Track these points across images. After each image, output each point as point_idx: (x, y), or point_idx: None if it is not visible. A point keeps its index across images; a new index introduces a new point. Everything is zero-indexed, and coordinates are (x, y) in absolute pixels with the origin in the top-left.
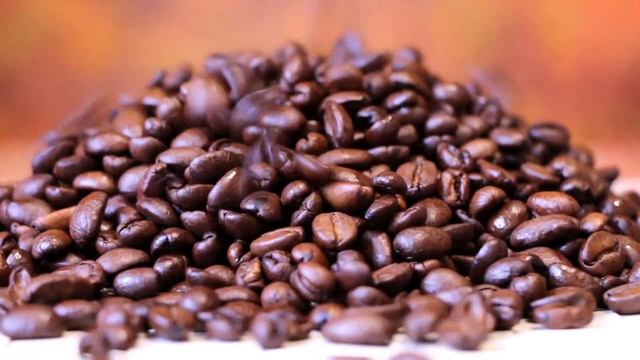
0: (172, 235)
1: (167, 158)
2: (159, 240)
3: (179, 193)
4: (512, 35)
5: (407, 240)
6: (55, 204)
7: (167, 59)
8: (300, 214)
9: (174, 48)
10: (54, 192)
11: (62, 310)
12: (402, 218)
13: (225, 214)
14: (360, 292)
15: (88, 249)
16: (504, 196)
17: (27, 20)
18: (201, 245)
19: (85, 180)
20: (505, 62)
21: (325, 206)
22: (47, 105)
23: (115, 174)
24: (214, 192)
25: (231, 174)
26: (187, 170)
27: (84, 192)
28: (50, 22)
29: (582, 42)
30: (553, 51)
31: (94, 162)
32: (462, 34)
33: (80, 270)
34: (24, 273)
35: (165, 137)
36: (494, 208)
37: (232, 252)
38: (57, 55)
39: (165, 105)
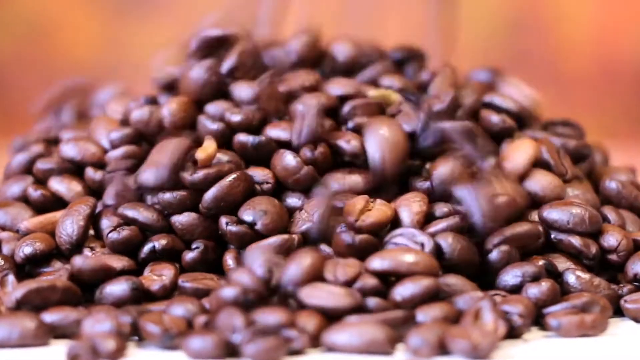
0: (160, 242)
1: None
2: (146, 248)
3: (165, 197)
4: (522, 28)
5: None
6: (37, 207)
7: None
8: (304, 225)
9: (166, 41)
10: (35, 193)
11: (48, 317)
12: (441, 225)
13: (227, 224)
14: (371, 302)
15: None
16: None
17: (11, 13)
18: (189, 257)
19: (58, 185)
20: (514, 57)
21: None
22: (33, 101)
23: (96, 187)
24: (210, 194)
25: (230, 177)
26: (187, 180)
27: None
28: (36, 14)
29: (596, 35)
30: (565, 45)
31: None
32: (468, 27)
33: (64, 274)
34: (10, 277)
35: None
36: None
37: (230, 262)
38: (43, 49)
39: (137, 112)
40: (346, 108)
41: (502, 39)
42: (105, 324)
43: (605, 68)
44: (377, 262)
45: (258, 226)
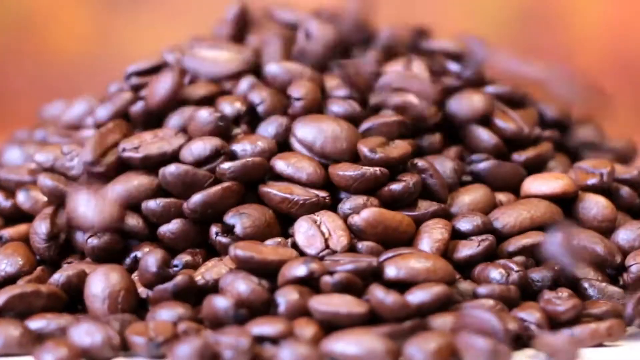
0: (143, 251)
1: (117, 190)
2: (128, 260)
3: (149, 204)
4: (532, 20)
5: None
6: (6, 216)
7: (154, 46)
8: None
9: (160, 34)
10: (5, 202)
11: (34, 324)
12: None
13: (217, 234)
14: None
15: (55, 262)
16: None
17: (0, 6)
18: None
19: (21, 195)
20: (524, 50)
21: None
22: (21, 97)
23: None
24: (198, 198)
25: (223, 185)
26: (161, 176)
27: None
28: (25, 8)
29: (609, 27)
30: (577, 38)
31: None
32: (476, 18)
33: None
34: None
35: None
36: None
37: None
38: (33, 43)
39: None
40: (367, 125)
41: (511, 32)
42: (95, 335)
43: (619, 63)
44: (392, 271)
45: (237, 229)
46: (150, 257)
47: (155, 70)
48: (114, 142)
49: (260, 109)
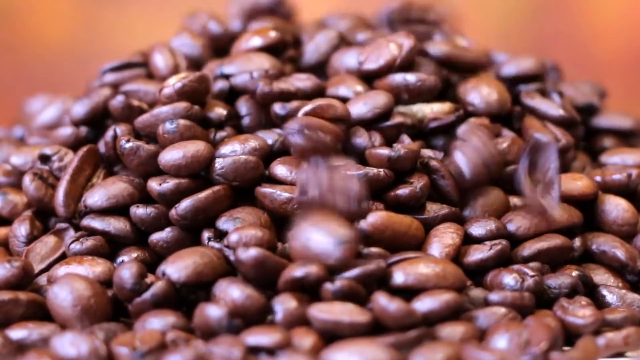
0: (131, 255)
1: (92, 198)
2: (115, 264)
3: (138, 212)
4: (550, 8)
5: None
6: None
7: (141, 37)
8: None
9: (148, 25)
10: None
11: (15, 333)
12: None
13: (209, 239)
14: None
15: None
16: None
17: None
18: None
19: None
20: (542, 38)
21: None
22: (2, 90)
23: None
24: (187, 203)
25: (213, 189)
26: (155, 190)
27: None
28: None
29: (628, 17)
30: (596, 27)
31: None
32: (493, 6)
33: None
34: None
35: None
36: None
37: None
38: (11, 33)
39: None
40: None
41: (526, 19)
42: (81, 346)
43: (636, 52)
44: (400, 277)
45: None
46: (124, 271)
47: (129, 66)
48: (85, 181)
49: (245, 121)
